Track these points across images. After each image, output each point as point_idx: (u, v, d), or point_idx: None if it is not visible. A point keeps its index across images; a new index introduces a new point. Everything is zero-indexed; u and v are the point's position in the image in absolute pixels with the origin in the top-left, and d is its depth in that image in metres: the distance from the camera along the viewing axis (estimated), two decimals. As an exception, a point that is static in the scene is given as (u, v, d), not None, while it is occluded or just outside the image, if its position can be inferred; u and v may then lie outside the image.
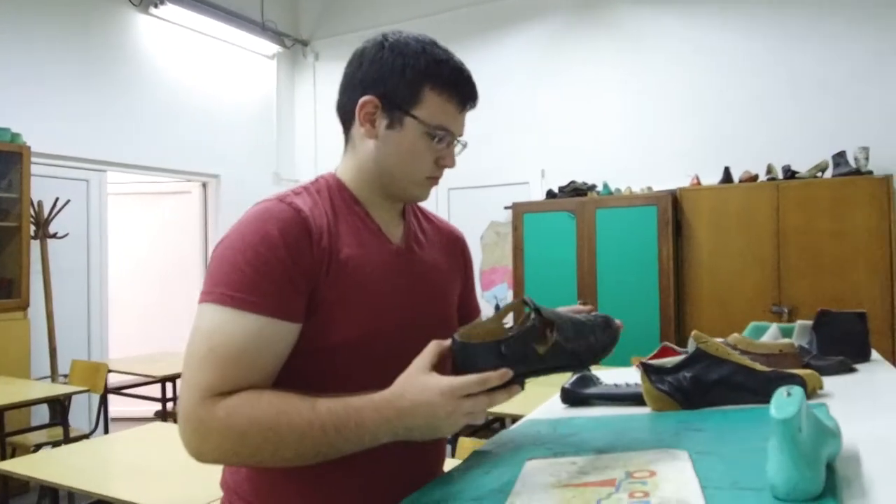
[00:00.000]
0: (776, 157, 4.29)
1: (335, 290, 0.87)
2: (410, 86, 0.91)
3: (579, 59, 5.09)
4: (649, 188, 4.49)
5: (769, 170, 4.25)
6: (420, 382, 0.80)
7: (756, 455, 0.78)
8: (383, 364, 0.92)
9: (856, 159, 3.98)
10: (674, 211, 4.25)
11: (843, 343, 1.28)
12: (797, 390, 0.67)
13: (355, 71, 0.95)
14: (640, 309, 4.26)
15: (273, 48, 6.37)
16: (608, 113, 4.97)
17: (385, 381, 0.86)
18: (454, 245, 1.13)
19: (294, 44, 6.63)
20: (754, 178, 4.25)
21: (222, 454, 0.79)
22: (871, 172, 3.89)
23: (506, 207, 4.91)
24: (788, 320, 4.05)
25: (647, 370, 1.16)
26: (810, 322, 1.37)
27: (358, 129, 0.96)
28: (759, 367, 1.11)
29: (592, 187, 4.66)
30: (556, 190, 4.76)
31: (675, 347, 1.50)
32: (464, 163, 1.04)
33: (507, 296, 5.25)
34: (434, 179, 0.99)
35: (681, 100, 4.71)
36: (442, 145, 0.95)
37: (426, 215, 1.12)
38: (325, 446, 0.79)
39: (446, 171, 0.98)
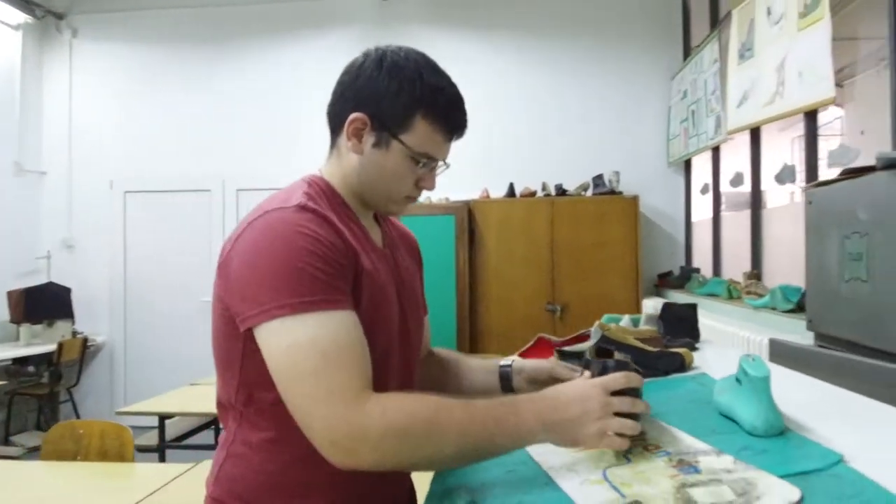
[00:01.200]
0: (550, 175, 4.94)
1: (364, 291, 0.90)
2: (402, 111, 0.93)
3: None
4: (447, 198, 4.84)
5: (544, 187, 4.88)
6: (570, 383, 0.87)
7: (697, 412, 1.00)
8: (384, 362, 0.97)
9: (610, 181, 4.78)
10: (469, 220, 4.66)
11: (682, 328, 1.62)
12: (757, 357, 0.89)
13: (351, 82, 0.96)
14: (440, 308, 4.57)
15: (19, 16, 5.46)
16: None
17: (381, 381, 0.90)
18: (412, 248, 1.20)
19: (45, 15, 5.74)
20: (533, 193, 4.84)
21: (381, 454, 0.77)
22: (621, 193, 4.71)
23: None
24: (560, 317, 4.70)
25: (564, 356, 1.35)
26: (656, 313, 1.70)
27: (345, 141, 0.97)
28: (648, 347, 1.37)
29: (393, 195, 4.86)
30: (357, 196, 4.87)
31: (551, 337, 1.72)
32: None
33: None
34: (412, 198, 1.03)
35: (472, 117, 5.14)
36: (425, 170, 0.99)
37: (387, 219, 1.17)
38: (485, 443, 0.80)
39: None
